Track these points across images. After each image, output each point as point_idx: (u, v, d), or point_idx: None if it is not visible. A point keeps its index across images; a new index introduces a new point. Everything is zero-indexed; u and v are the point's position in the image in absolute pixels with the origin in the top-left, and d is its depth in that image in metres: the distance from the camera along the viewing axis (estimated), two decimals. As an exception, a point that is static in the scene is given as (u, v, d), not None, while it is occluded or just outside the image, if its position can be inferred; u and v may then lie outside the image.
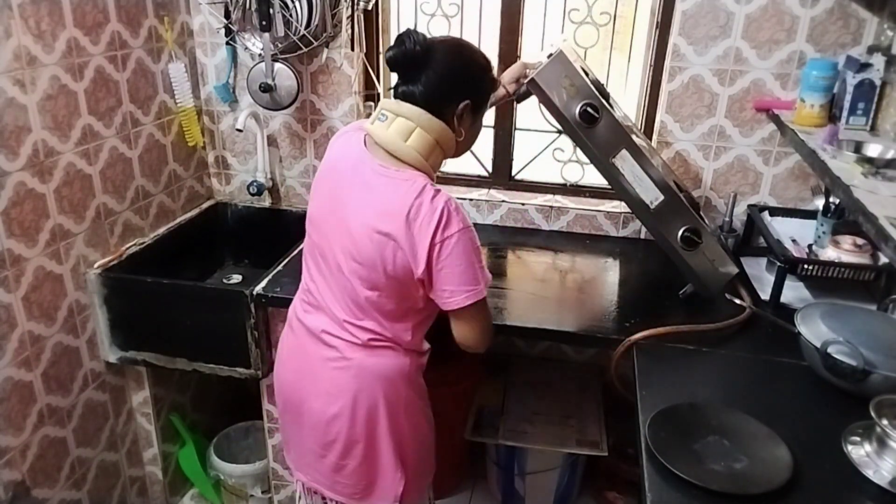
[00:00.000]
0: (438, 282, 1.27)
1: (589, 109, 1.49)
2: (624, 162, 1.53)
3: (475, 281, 1.28)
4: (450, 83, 1.28)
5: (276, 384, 1.52)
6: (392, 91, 1.33)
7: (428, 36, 1.29)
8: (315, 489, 1.49)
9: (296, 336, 1.45)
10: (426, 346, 1.45)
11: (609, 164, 1.54)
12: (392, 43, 1.28)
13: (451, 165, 2.31)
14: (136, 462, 2.12)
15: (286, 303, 1.75)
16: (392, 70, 1.30)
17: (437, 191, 1.26)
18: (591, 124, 1.50)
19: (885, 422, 1.13)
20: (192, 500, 2.30)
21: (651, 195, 1.56)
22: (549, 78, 1.44)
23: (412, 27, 1.40)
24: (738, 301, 1.65)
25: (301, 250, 1.50)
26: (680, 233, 1.58)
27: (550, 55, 1.49)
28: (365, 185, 1.28)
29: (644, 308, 1.71)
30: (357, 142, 1.34)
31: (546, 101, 1.50)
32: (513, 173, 2.29)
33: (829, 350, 1.32)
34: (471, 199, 2.22)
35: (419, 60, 1.26)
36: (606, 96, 1.59)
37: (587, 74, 1.56)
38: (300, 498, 1.58)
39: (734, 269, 1.65)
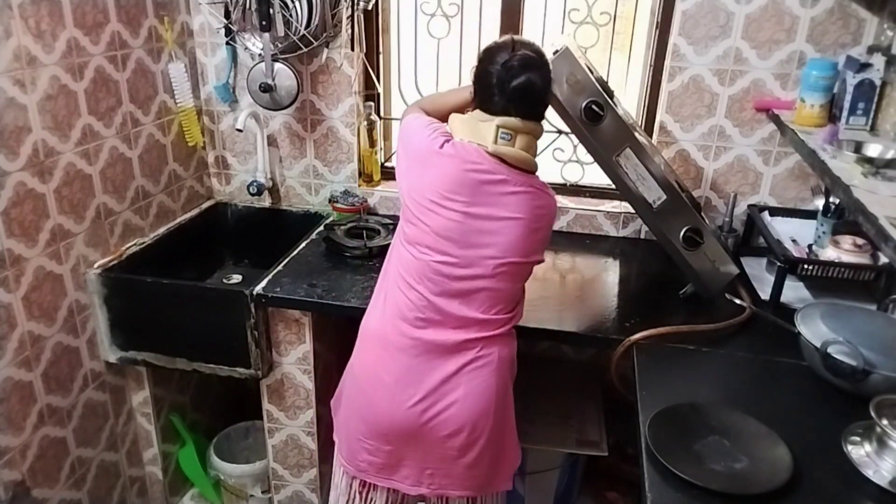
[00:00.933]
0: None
1: (594, 107, 1.49)
2: (628, 160, 1.54)
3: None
4: (548, 95, 1.42)
5: (378, 410, 1.43)
6: (485, 104, 1.38)
7: (529, 52, 1.37)
8: (440, 495, 1.49)
9: (410, 355, 1.39)
10: None
11: (613, 162, 1.54)
12: (521, 67, 1.34)
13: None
14: (136, 462, 2.12)
15: (286, 303, 1.76)
16: (523, 100, 1.35)
17: (548, 187, 1.44)
18: (595, 122, 1.51)
19: (885, 422, 1.13)
20: (192, 500, 2.30)
21: (654, 194, 1.56)
22: (554, 74, 1.44)
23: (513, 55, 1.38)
24: (738, 301, 1.65)
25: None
26: (682, 233, 1.58)
27: (556, 52, 1.49)
28: (508, 194, 1.37)
29: (644, 308, 1.71)
30: (479, 154, 1.36)
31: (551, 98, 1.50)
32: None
33: (829, 350, 1.32)
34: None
35: (540, 90, 1.37)
36: (611, 94, 1.59)
37: (592, 72, 1.56)
38: None
39: (735, 270, 1.65)
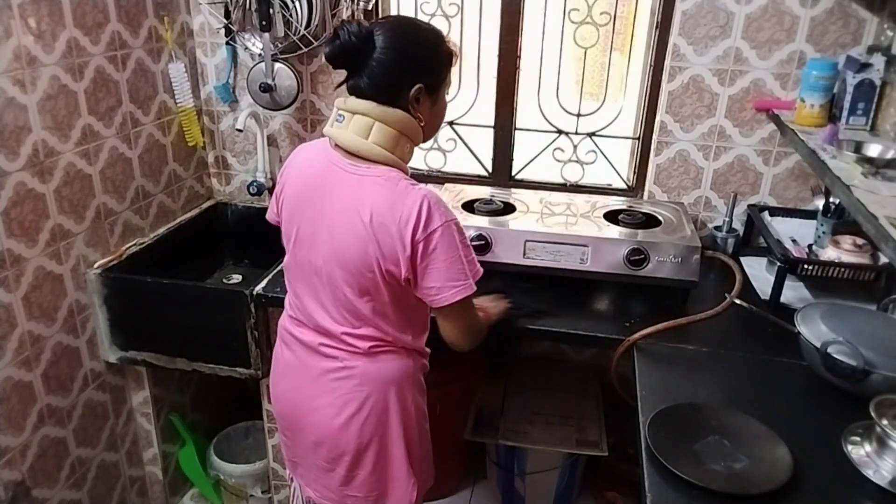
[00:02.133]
0: (424, 279, 1.22)
1: None
2: None
3: (463, 276, 1.22)
4: (395, 69, 1.20)
5: (273, 401, 1.48)
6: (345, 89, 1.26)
7: (367, 23, 1.23)
8: None
9: (290, 350, 1.40)
10: (426, 347, 1.43)
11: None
12: (333, 37, 1.20)
13: (450, 165, 2.32)
14: (136, 462, 2.12)
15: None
16: (334, 67, 1.22)
17: (413, 185, 1.21)
18: None
19: (885, 422, 1.13)
20: (192, 500, 2.30)
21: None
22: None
23: (346, 19, 1.31)
24: (737, 301, 1.65)
25: None
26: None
27: None
28: (339, 187, 1.23)
29: (644, 308, 1.71)
30: (322, 148, 1.29)
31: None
32: (513, 173, 2.28)
33: (829, 350, 1.32)
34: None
35: (358, 52, 1.18)
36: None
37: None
38: None
39: (696, 242, 1.68)
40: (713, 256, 1.91)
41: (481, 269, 1.28)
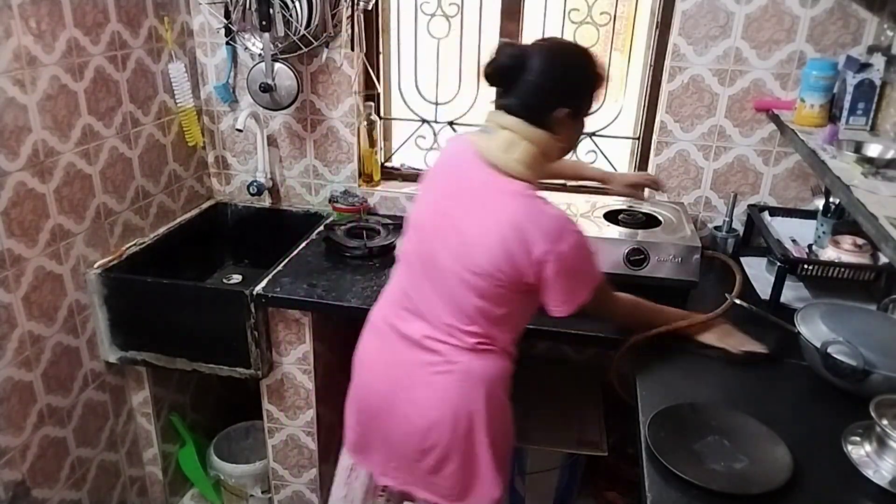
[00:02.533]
0: (550, 293, 1.29)
1: None
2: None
3: (582, 292, 1.31)
4: (545, 92, 1.26)
5: (358, 390, 1.47)
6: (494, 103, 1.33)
7: (525, 44, 1.30)
8: (405, 492, 1.46)
9: (385, 341, 1.41)
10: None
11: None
12: (491, 57, 1.28)
13: (451, 165, 2.32)
14: (136, 462, 2.12)
15: (286, 303, 1.76)
16: (490, 85, 1.30)
17: (547, 203, 1.26)
18: None
19: (885, 422, 1.14)
20: (192, 500, 2.30)
21: None
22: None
23: (506, 39, 1.39)
24: (738, 301, 1.65)
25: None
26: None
27: None
28: (479, 195, 1.28)
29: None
30: (470, 151, 1.32)
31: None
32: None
33: (829, 350, 1.32)
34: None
35: (512, 73, 1.25)
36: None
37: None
38: (362, 494, 1.54)
39: (696, 242, 1.67)
40: (713, 256, 1.91)
41: (601, 275, 1.36)
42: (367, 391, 1.45)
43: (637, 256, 1.68)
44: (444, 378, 1.34)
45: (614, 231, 1.77)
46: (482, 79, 1.31)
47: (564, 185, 2.23)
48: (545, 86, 1.25)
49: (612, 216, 1.85)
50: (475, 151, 1.30)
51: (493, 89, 1.32)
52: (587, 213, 1.88)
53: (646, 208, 1.91)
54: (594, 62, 1.31)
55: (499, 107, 1.29)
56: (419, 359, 1.35)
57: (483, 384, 1.34)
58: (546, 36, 1.41)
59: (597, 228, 1.78)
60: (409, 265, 1.40)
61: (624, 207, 1.91)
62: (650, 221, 1.83)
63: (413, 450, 1.38)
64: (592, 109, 1.36)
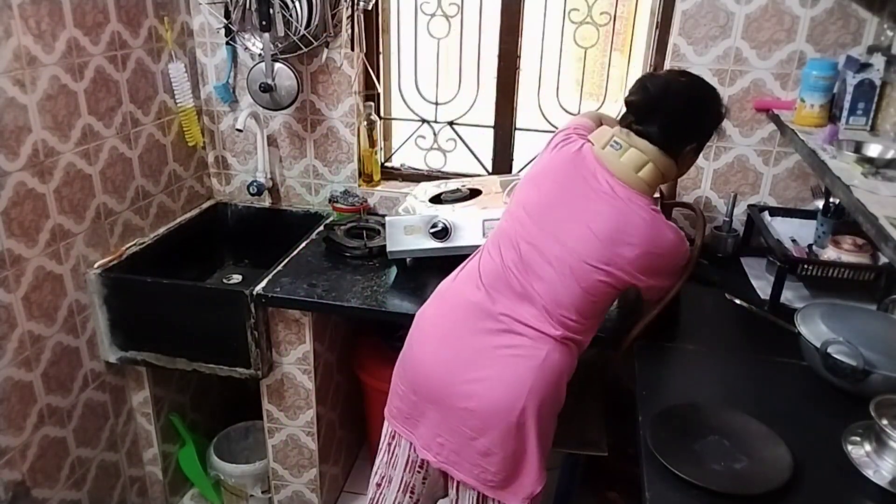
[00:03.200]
0: (652, 283, 1.39)
1: None
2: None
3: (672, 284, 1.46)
4: (683, 128, 1.37)
5: (417, 359, 1.45)
6: (621, 119, 1.40)
7: (665, 75, 1.40)
8: (443, 469, 1.45)
9: (460, 315, 1.41)
10: None
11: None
12: (631, 89, 1.38)
13: (450, 165, 2.32)
14: (136, 462, 2.12)
15: (286, 303, 1.76)
16: (629, 111, 1.37)
17: (666, 220, 1.37)
18: None
19: (885, 422, 1.13)
20: (192, 500, 2.30)
21: None
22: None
23: (649, 71, 1.52)
24: (737, 301, 1.65)
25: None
26: None
27: None
28: (607, 201, 1.33)
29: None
30: (591, 158, 1.38)
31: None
32: (513, 173, 2.29)
33: (829, 350, 1.32)
34: (471, 199, 2.22)
35: (658, 105, 1.34)
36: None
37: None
38: (402, 466, 1.53)
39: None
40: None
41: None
42: (429, 361, 1.42)
43: None
44: (524, 363, 1.34)
45: None
46: (623, 108, 1.39)
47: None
48: (686, 123, 1.37)
49: None
50: (599, 161, 1.37)
51: (614, 111, 1.42)
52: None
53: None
54: (721, 101, 1.43)
55: (637, 132, 1.35)
56: (499, 339, 1.36)
57: (556, 377, 1.36)
58: (681, 69, 1.60)
59: None
60: (510, 246, 1.40)
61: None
62: None
63: (471, 428, 1.37)
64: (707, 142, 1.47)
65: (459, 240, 1.79)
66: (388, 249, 1.83)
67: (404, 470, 1.53)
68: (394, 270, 1.90)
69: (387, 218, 1.84)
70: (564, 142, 1.44)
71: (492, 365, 1.35)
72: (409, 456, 1.52)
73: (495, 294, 1.38)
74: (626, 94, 1.39)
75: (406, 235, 1.80)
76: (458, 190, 1.94)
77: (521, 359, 1.34)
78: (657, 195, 1.47)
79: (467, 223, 1.79)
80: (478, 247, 1.69)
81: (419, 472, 1.53)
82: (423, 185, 2.12)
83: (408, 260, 1.89)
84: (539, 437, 1.36)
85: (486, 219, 1.76)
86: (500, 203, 1.83)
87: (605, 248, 1.31)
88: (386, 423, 1.55)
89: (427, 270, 1.85)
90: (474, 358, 1.37)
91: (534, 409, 1.34)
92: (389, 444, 1.55)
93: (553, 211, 1.37)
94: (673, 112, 1.35)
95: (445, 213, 1.81)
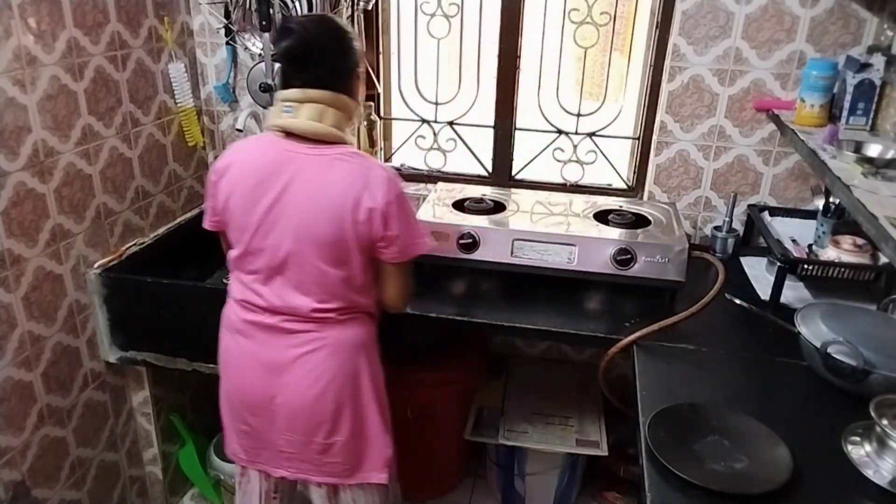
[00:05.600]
0: (396, 237, 1.35)
1: None
2: None
3: (422, 234, 1.42)
4: (341, 57, 1.35)
5: (235, 393, 1.47)
6: (283, 85, 1.35)
7: (297, 23, 1.35)
8: (301, 479, 1.50)
9: (249, 338, 1.42)
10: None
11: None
12: (280, 37, 1.33)
13: (450, 165, 2.32)
14: (136, 462, 2.12)
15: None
16: (289, 62, 1.34)
17: (372, 159, 1.38)
18: None
19: (885, 422, 1.13)
20: (192, 500, 2.29)
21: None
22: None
23: (291, 15, 1.49)
24: (737, 301, 1.65)
25: None
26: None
27: None
28: (304, 170, 1.32)
29: (645, 308, 1.71)
30: (266, 141, 1.37)
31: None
32: (513, 173, 2.29)
33: (829, 350, 1.32)
34: (471, 199, 2.21)
35: (310, 45, 1.32)
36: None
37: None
38: (257, 500, 1.57)
39: (683, 243, 1.68)
40: (699, 257, 1.88)
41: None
42: (246, 392, 1.45)
43: (624, 256, 1.69)
44: (316, 354, 1.38)
45: (602, 231, 1.77)
46: (281, 58, 1.35)
47: (565, 184, 2.24)
48: (340, 53, 1.35)
49: (601, 216, 1.85)
50: (277, 136, 1.35)
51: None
52: (578, 213, 1.88)
53: (635, 208, 1.91)
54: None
55: (303, 83, 1.32)
56: (287, 344, 1.39)
57: (356, 349, 1.41)
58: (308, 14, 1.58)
59: (585, 228, 1.78)
60: (248, 265, 1.39)
61: (615, 208, 1.91)
62: (640, 221, 1.82)
63: (302, 432, 1.42)
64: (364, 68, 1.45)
65: (485, 254, 1.76)
66: None
67: (260, 502, 1.58)
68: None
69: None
70: (236, 145, 1.43)
71: (293, 369, 1.39)
72: (260, 486, 1.56)
73: (261, 310, 1.40)
74: (275, 51, 1.36)
75: (432, 241, 1.78)
76: (482, 200, 1.92)
77: (313, 352, 1.38)
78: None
79: (498, 238, 1.75)
80: (502, 264, 1.75)
81: (274, 499, 1.58)
82: (441, 185, 2.10)
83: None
84: (376, 404, 1.44)
85: (516, 238, 1.74)
86: (527, 220, 1.82)
87: (331, 216, 1.31)
88: (238, 469, 1.59)
89: (436, 275, 1.85)
90: (278, 369, 1.41)
91: (353, 386, 1.41)
92: (240, 483, 1.60)
93: (269, 213, 1.33)
94: (322, 44, 1.32)
95: (477, 223, 1.78)
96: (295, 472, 1.47)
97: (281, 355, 1.39)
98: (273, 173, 1.32)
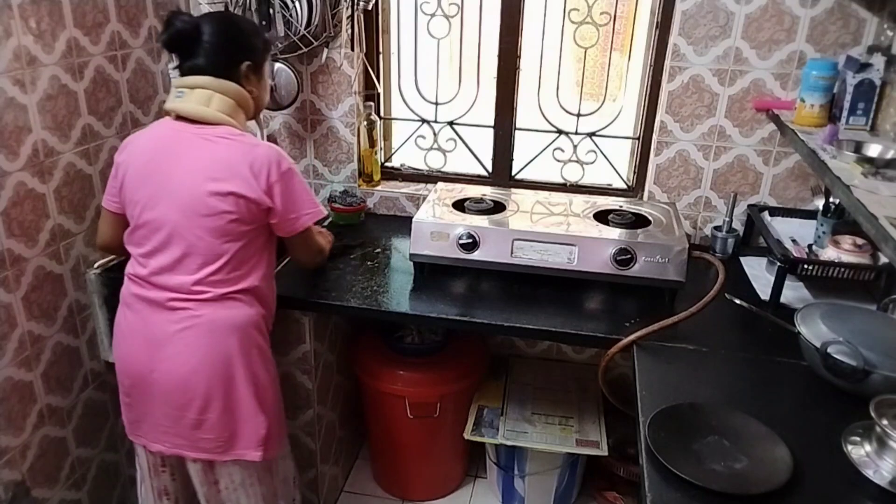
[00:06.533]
0: (286, 210, 1.45)
1: None
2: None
3: (314, 203, 1.52)
4: (228, 48, 1.45)
5: (119, 365, 1.54)
6: (178, 71, 1.46)
7: (188, 17, 1.45)
8: (176, 454, 1.53)
9: (135, 312, 1.49)
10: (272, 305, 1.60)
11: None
12: (163, 27, 1.43)
13: (450, 165, 2.32)
14: (136, 462, 2.12)
15: (286, 303, 1.76)
16: (171, 51, 1.45)
17: (256, 138, 1.47)
18: None
19: (885, 422, 1.13)
20: (192, 500, 2.29)
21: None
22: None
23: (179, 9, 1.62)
24: (737, 301, 1.65)
25: None
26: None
27: None
28: (190, 149, 1.41)
29: (644, 308, 1.71)
30: (164, 125, 1.47)
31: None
32: (513, 173, 2.29)
33: (829, 350, 1.32)
34: (471, 199, 2.21)
35: (193, 36, 1.42)
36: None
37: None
38: (147, 474, 1.62)
39: (683, 243, 1.67)
40: (699, 257, 1.87)
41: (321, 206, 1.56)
42: (127, 363, 1.51)
43: (624, 256, 1.69)
44: (192, 332, 1.44)
45: (602, 231, 1.77)
46: (163, 47, 1.46)
47: (565, 184, 2.24)
48: (227, 44, 1.45)
49: (601, 216, 1.85)
50: (172, 119, 1.46)
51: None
52: (578, 213, 1.88)
53: (635, 208, 1.91)
54: (259, 27, 1.55)
55: (187, 71, 1.44)
56: (166, 319, 1.44)
57: (232, 331, 1.46)
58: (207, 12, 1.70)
59: (585, 228, 1.78)
60: (141, 238, 1.46)
61: (615, 208, 1.91)
62: (640, 221, 1.82)
63: (174, 407, 1.47)
64: (267, 72, 1.58)
65: (485, 254, 1.76)
66: (411, 252, 1.81)
67: (150, 475, 1.62)
68: (395, 271, 1.90)
69: (414, 219, 1.81)
70: (134, 135, 1.52)
71: (170, 343, 1.45)
72: (147, 460, 1.60)
73: (151, 285, 1.46)
74: (160, 37, 1.45)
75: (432, 241, 1.78)
76: (482, 200, 1.92)
77: (189, 329, 1.44)
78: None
79: (498, 238, 1.76)
80: (502, 264, 1.76)
81: (163, 472, 1.61)
82: (441, 185, 2.10)
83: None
84: (250, 385, 1.48)
85: (516, 238, 1.74)
86: (527, 221, 1.83)
87: (215, 191, 1.38)
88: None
89: (436, 275, 1.85)
90: (157, 344, 1.46)
91: (226, 366, 1.45)
92: (137, 459, 1.64)
93: (160, 189, 1.42)
94: (210, 35, 1.42)
95: (477, 223, 1.79)
96: (170, 446, 1.51)
97: (161, 330, 1.45)
98: (161, 150, 1.43)
